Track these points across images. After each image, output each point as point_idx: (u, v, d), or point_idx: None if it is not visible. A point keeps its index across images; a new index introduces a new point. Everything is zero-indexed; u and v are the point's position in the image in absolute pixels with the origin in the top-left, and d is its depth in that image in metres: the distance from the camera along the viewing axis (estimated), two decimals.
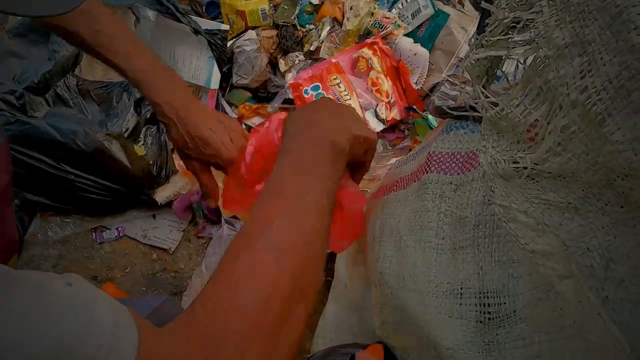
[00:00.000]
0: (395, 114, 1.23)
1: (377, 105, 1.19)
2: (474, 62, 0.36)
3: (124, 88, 1.14)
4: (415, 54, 1.27)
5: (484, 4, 0.35)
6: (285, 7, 1.35)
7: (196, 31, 1.12)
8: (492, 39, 0.35)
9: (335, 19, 1.31)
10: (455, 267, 0.49)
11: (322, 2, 1.34)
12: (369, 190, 1.09)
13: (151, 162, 1.14)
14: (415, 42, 1.29)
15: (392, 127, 1.25)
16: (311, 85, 1.18)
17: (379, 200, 0.73)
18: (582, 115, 0.28)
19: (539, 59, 0.31)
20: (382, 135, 1.23)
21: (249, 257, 0.38)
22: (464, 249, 0.48)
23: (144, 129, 1.20)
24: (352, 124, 0.54)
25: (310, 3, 1.35)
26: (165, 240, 1.18)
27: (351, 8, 1.30)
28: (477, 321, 0.46)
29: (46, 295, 0.28)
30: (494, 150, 0.35)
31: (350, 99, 1.18)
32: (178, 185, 1.18)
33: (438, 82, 1.29)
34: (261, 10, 1.28)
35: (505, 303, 0.45)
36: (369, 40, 1.22)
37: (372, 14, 1.32)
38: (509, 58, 0.34)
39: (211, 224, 1.20)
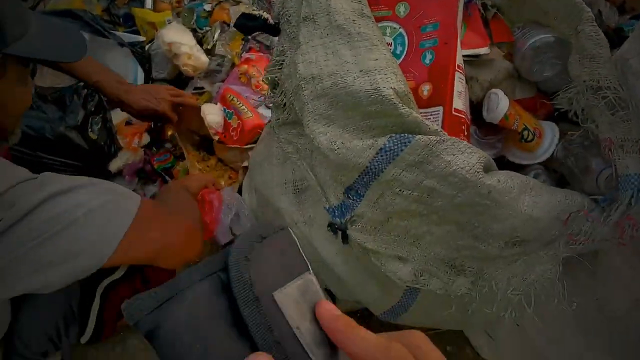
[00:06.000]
0: None
1: (265, 99, 1.64)
2: None
3: (73, 90, 1.55)
4: None
5: None
6: (185, 14, 1.77)
7: (121, 44, 1.54)
8: None
9: (224, 22, 1.76)
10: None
11: (214, 8, 1.78)
12: None
13: (102, 143, 1.57)
14: (274, 34, 1.76)
15: None
16: None
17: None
18: None
19: None
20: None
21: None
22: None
23: (90, 119, 1.61)
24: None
25: (204, 10, 1.78)
26: None
27: (235, 13, 1.76)
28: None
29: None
30: None
31: (242, 104, 1.60)
32: (124, 157, 1.62)
33: None
34: (167, 20, 1.70)
35: None
36: (242, 60, 1.65)
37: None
38: None
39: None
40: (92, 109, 1.61)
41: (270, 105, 0.90)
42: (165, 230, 0.86)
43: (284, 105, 0.84)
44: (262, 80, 0.87)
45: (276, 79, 0.86)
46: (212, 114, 1.63)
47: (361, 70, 0.71)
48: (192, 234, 0.94)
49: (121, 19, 1.80)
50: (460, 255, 0.77)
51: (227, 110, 1.63)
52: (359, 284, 0.89)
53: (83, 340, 1.03)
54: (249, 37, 1.72)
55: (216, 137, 1.61)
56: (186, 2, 1.83)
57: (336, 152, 0.71)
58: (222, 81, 1.69)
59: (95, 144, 1.55)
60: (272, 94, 0.87)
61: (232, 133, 1.61)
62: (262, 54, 1.71)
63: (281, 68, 0.87)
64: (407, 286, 0.83)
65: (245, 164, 1.55)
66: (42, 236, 0.74)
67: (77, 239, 0.76)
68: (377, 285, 0.87)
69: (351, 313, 1.29)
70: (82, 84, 1.61)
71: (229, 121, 1.62)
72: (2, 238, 0.71)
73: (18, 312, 1.00)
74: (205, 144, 1.69)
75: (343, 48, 0.74)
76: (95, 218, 0.77)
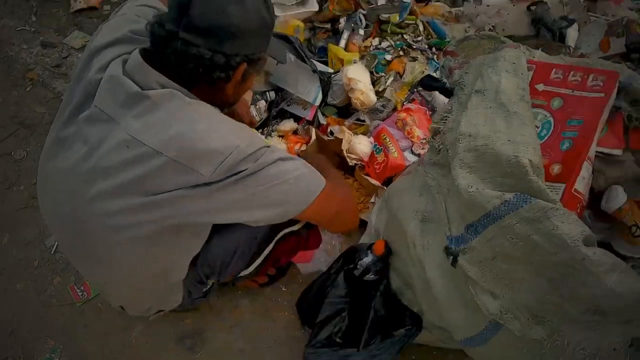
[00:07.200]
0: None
1: (413, 145, 1.88)
2: None
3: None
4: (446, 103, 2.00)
5: None
6: (368, 58, 2.11)
7: (314, 70, 1.90)
8: None
9: (398, 72, 2.05)
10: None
11: (393, 59, 2.09)
12: None
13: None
14: (447, 96, 2.01)
15: None
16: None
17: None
18: None
19: None
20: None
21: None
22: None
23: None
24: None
25: (385, 59, 2.10)
26: None
27: (410, 67, 2.05)
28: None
29: None
30: None
31: (392, 144, 1.82)
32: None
33: None
34: (354, 60, 2.04)
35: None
36: (403, 108, 1.93)
37: (423, 72, 2.06)
38: None
39: None
40: (275, 114, 2.00)
41: (420, 150, 1.13)
42: (340, 205, 1.23)
43: (439, 150, 1.07)
44: (429, 128, 1.12)
45: (439, 129, 1.10)
46: (362, 145, 1.91)
47: (509, 140, 0.93)
48: (355, 211, 1.38)
49: (317, 50, 2.19)
50: (544, 309, 0.92)
51: (377, 146, 1.90)
52: (451, 306, 1.08)
53: (243, 273, 1.36)
54: (415, 89, 2.00)
55: (358, 163, 1.87)
56: (371, 49, 2.16)
57: (470, 193, 0.93)
58: (382, 120, 1.97)
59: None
60: (432, 140, 1.12)
61: (376, 166, 1.86)
62: (421, 106, 1.97)
63: (445, 122, 1.11)
64: (490, 320, 1.00)
65: (373, 200, 1.79)
66: (267, 185, 1.07)
67: (287, 192, 1.10)
68: (466, 312, 1.05)
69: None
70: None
71: (376, 155, 1.88)
72: (246, 179, 1.05)
73: (211, 238, 1.31)
74: (345, 165, 1.96)
75: (500, 120, 0.96)
76: (300, 181, 1.11)
